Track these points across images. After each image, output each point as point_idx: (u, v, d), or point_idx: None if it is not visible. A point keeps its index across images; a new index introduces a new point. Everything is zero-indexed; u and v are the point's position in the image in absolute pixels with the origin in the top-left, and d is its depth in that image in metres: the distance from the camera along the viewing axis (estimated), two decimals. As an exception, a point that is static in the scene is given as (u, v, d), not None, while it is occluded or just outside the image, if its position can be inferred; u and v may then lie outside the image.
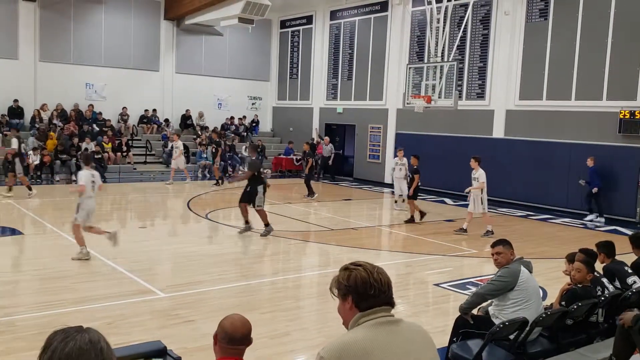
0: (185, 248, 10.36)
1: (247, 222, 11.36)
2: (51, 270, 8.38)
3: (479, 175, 12.13)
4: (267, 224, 11.32)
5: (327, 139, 22.52)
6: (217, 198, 16.44)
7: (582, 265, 5.22)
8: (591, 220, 14.65)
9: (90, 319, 6.26)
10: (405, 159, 15.34)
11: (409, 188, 13.89)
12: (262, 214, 11.36)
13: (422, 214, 13.67)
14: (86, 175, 9.04)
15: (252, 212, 11.48)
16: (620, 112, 14.79)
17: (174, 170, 19.29)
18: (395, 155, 16.50)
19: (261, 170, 11.64)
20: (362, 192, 19.22)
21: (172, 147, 20.14)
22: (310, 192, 16.94)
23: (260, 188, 11.27)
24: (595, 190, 14.66)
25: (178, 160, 19.48)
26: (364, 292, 2.27)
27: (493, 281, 4.89)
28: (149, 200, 16.59)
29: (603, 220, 14.63)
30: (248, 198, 11.34)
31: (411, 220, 13.48)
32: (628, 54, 14.74)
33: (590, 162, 14.84)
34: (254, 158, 12.33)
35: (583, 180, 15.01)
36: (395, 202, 16.07)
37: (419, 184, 13.86)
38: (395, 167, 15.82)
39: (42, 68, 21.02)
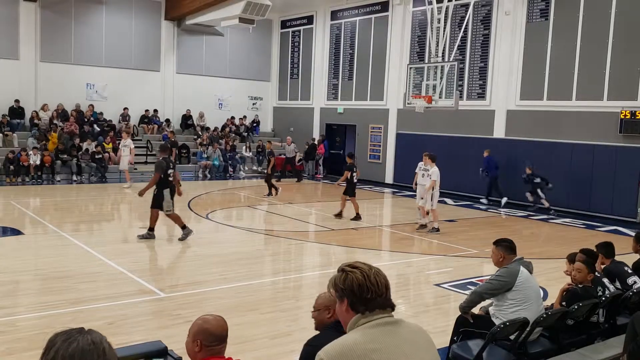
0: (186, 248, 10.37)
1: (183, 227, 10.71)
2: (52, 271, 8.38)
3: (433, 172, 12.27)
4: (183, 227, 10.68)
5: (289, 139, 22.67)
6: (217, 198, 16.45)
7: (582, 266, 5.22)
8: (499, 205, 15.41)
9: (91, 319, 6.27)
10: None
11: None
12: (174, 218, 10.70)
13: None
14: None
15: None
16: (621, 112, 14.79)
17: (127, 172, 18.22)
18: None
19: (169, 173, 10.57)
20: (362, 193, 19.20)
21: (120, 145, 18.86)
22: (270, 192, 16.83)
23: (166, 192, 10.46)
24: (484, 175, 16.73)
25: (124, 160, 18.27)
26: (359, 295, 2.25)
27: (491, 280, 4.91)
28: (150, 200, 16.57)
29: (487, 201, 16.97)
30: (157, 203, 10.58)
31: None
32: (629, 54, 14.74)
33: (485, 153, 17.06)
34: (160, 159, 10.96)
35: (484, 171, 16.96)
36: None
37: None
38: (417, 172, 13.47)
39: (43, 68, 21.04)
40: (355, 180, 13.83)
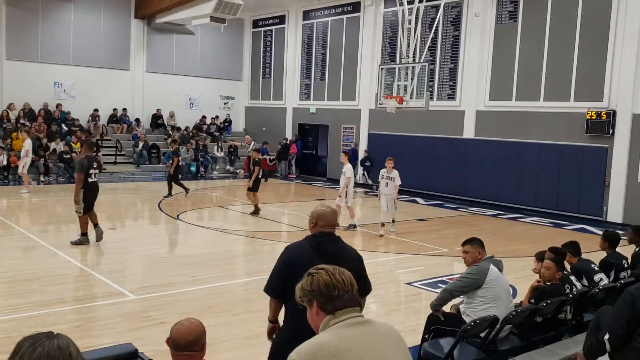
0: (157, 249, 10.25)
1: (84, 233, 10.00)
2: (18, 273, 8.20)
3: (346, 169, 12.37)
4: (83, 234, 9.94)
5: (248, 138, 23.01)
6: (188, 199, 16.29)
7: (551, 264, 5.31)
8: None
9: (60, 322, 6.16)
10: (395, 172, 12.37)
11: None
12: (81, 221, 9.96)
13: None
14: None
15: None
16: (587, 113, 15.10)
17: (25, 176, 16.66)
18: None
19: (90, 171, 9.81)
20: (335, 192, 19.23)
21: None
22: (169, 193, 16.11)
23: (81, 193, 9.74)
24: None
25: (21, 163, 16.78)
26: (327, 294, 2.30)
27: (461, 278, 4.98)
28: (119, 201, 16.36)
29: None
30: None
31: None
32: (594, 56, 15.07)
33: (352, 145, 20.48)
34: (83, 157, 10.14)
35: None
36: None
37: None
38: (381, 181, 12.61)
39: (9, 66, 20.58)
40: (260, 176, 14.20)
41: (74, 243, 9.91)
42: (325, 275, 2.35)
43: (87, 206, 9.91)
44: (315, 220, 3.90)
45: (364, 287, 3.80)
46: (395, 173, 12.24)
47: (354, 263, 3.73)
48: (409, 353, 2.41)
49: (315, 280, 2.34)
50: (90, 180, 9.85)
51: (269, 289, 3.88)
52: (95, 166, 10.00)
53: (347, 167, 12.39)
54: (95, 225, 10.17)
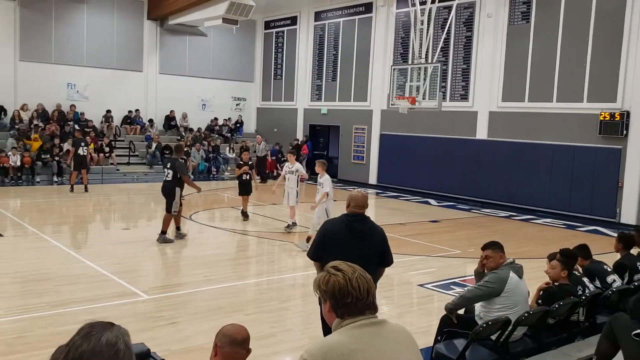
0: (169, 250, 10.30)
1: (163, 232, 10.63)
2: (32, 273, 8.27)
3: (324, 181, 10.89)
4: (164, 232, 10.61)
5: (259, 137, 22.78)
6: (201, 200, 16.35)
7: (556, 263, 5.26)
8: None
9: (73, 322, 6.19)
10: (298, 165, 12.58)
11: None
12: (168, 220, 10.71)
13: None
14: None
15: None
16: (601, 114, 14.98)
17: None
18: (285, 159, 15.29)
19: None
20: (346, 193, 19.23)
21: None
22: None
23: (178, 191, 10.58)
24: None
25: None
26: (340, 299, 2.26)
27: (480, 286, 4.86)
28: (132, 201, 16.46)
29: None
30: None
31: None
32: (608, 57, 14.94)
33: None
34: (179, 159, 11.11)
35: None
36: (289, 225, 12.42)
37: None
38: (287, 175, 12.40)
39: (23, 68, 20.76)
40: (244, 179, 13.40)
41: (161, 241, 10.49)
42: (341, 279, 2.28)
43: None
44: (349, 202, 4.81)
45: (387, 259, 4.85)
46: (325, 178, 10.88)
47: (379, 239, 4.77)
48: (420, 354, 2.40)
49: (331, 281, 2.29)
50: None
51: (311, 254, 4.80)
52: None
53: (325, 179, 10.84)
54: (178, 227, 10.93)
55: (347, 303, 2.25)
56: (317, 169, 11.08)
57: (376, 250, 4.73)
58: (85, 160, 16.72)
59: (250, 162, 13.96)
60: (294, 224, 12.32)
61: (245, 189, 13.36)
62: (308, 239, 10.17)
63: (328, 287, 2.29)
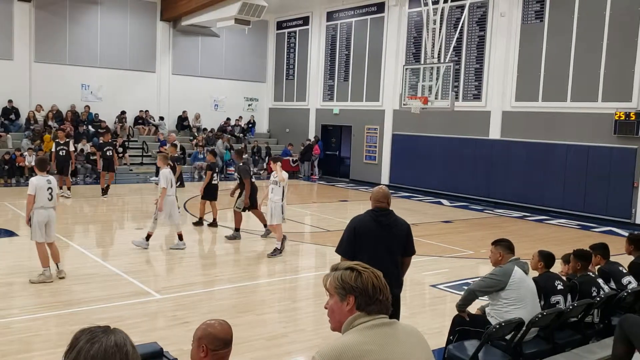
0: (182, 250, 10.33)
1: (237, 229, 11.21)
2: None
3: (161, 175, 10.29)
4: (237, 229, 11.15)
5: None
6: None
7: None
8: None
9: (86, 321, 6.21)
10: (284, 174, 10.29)
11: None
12: (238, 217, 11.30)
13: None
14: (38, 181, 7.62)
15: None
16: (616, 114, 14.84)
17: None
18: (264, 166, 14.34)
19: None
20: (358, 193, 19.21)
21: None
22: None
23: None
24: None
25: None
26: (372, 295, 2.24)
27: (484, 278, 5.02)
28: (145, 201, 16.54)
29: None
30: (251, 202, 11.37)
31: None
32: (623, 56, 14.79)
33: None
34: (241, 164, 11.40)
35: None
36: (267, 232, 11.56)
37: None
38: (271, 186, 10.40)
39: (38, 69, 20.96)
40: (215, 182, 12.13)
41: (229, 238, 11.00)
42: (373, 276, 2.27)
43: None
44: (371, 198, 5.08)
45: (411, 249, 5.12)
46: (162, 172, 10.38)
47: (404, 230, 5.04)
48: (432, 355, 2.39)
49: (363, 278, 2.26)
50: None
51: (343, 251, 4.89)
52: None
53: (162, 172, 10.27)
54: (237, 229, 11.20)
55: (377, 300, 2.25)
56: (158, 162, 11.41)
57: (402, 240, 5.02)
58: (112, 162, 16.47)
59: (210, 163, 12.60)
60: (268, 233, 11.29)
61: (212, 193, 12.18)
62: (148, 237, 9.84)
63: (358, 283, 2.25)
